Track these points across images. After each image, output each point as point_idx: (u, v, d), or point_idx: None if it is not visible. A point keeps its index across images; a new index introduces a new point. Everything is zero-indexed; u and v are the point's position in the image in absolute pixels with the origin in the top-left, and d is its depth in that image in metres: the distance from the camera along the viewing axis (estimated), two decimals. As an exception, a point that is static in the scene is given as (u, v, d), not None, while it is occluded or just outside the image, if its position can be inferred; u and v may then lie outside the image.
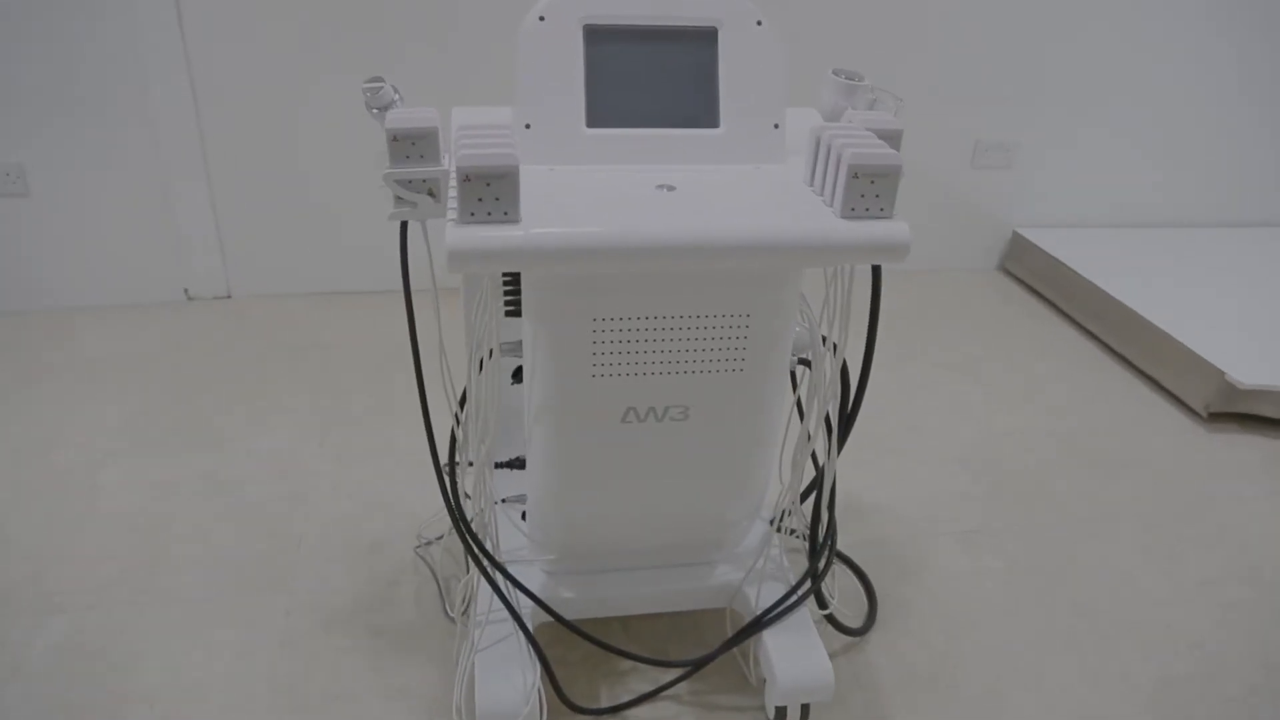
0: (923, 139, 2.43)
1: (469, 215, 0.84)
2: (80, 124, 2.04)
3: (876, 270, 1.09)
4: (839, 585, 1.43)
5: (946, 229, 2.58)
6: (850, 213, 0.88)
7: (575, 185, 0.92)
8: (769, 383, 1.02)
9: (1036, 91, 2.42)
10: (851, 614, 1.38)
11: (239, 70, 2.06)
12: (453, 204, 0.85)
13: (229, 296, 2.28)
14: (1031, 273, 2.50)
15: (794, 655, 1.13)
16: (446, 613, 1.34)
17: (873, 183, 0.87)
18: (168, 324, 2.16)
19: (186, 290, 2.26)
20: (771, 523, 1.21)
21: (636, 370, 0.98)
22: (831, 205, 0.90)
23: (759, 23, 1.00)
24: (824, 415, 1.13)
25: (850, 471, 1.70)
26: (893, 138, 0.98)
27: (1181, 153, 2.58)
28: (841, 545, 1.51)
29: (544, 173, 0.96)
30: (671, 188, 0.93)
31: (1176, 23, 2.40)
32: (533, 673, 1.09)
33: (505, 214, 0.84)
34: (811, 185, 0.95)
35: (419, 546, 1.46)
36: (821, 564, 1.22)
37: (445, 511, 1.20)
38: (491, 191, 0.83)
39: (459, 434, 1.12)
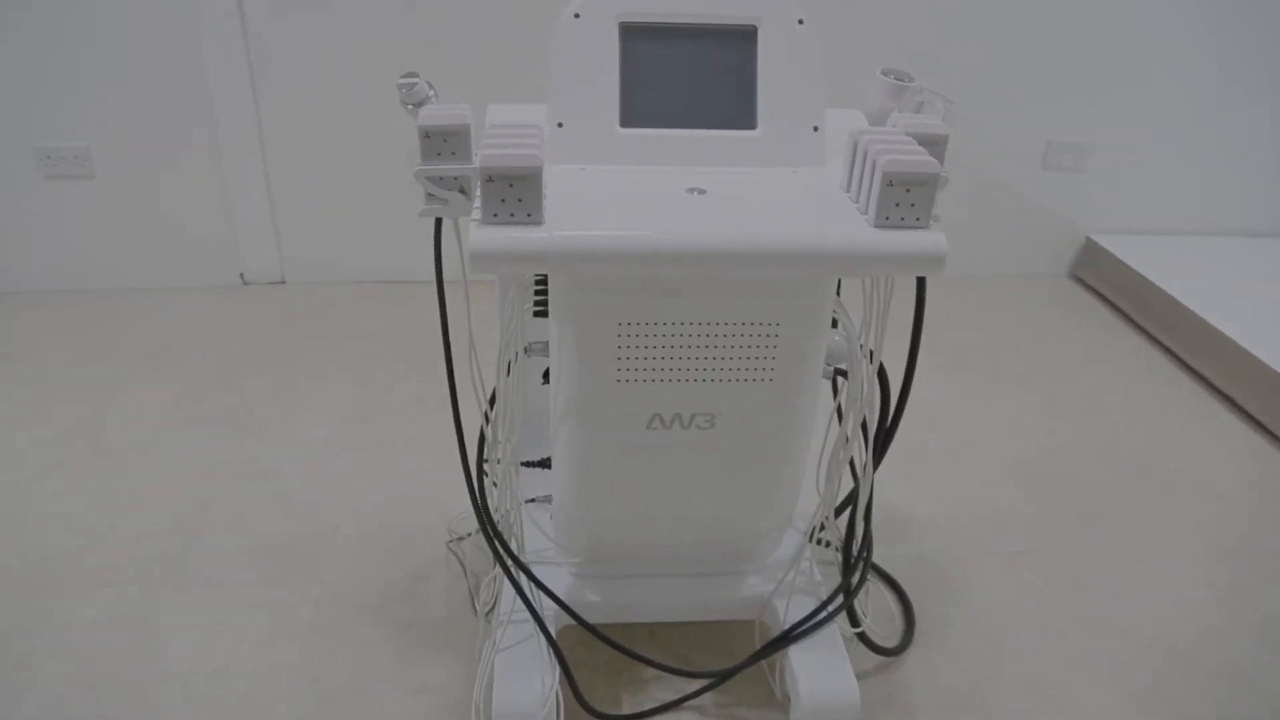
0: (991, 138, 2.35)
1: (492, 216, 0.82)
2: (143, 109, 2.09)
3: (921, 279, 1.05)
4: (876, 602, 1.38)
5: (1014, 233, 2.49)
6: (885, 221, 0.84)
7: (604, 186, 0.90)
8: (800, 394, 0.99)
9: (1113, 89, 2.32)
10: (887, 632, 1.34)
11: (297, 59, 2.08)
12: (477, 204, 0.84)
13: (283, 282, 2.32)
14: (1104, 281, 2.40)
15: (820, 674, 1.10)
16: (475, 610, 1.34)
17: (909, 191, 0.83)
18: (222, 308, 2.20)
19: (242, 275, 2.30)
20: (809, 535, 1.17)
21: (662, 376, 0.96)
22: (866, 213, 0.86)
23: (800, 21, 0.96)
24: (860, 428, 1.09)
25: (896, 484, 1.65)
26: (937, 143, 0.94)
27: (1269, 156, 2.45)
28: (881, 560, 1.47)
29: (574, 172, 0.94)
30: (702, 191, 0.90)
31: (1265, 16, 2.27)
32: (552, 675, 1.08)
33: (528, 215, 0.82)
34: (848, 191, 0.92)
35: (451, 542, 1.46)
36: (855, 580, 1.19)
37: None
38: (514, 192, 0.81)
39: (488, 433, 1.12)
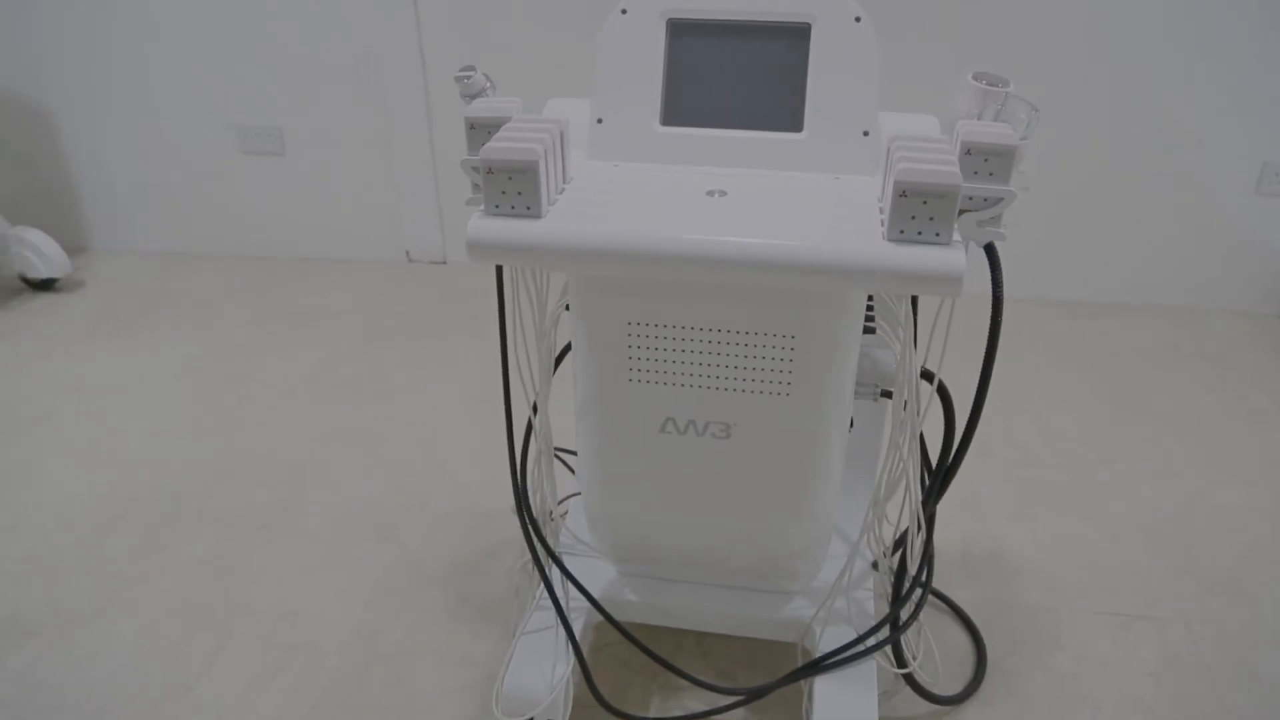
0: (1199, 156, 2.10)
1: (494, 207, 0.84)
2: (328, 94, 2.27)
3: (997, 298, 0.96)
4: (947, 644, 1.28)
5: (1216, 262, 2.22)
6: (899, 235, 0.78)
7: (626, 184, 0.89)
8: (822, 411, 0.93)
9: (1347, 107, 2.02)
10: (950, 678, 1.24)
11: (465, 52, 2.19)
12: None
13: (444, 262, 2.45)
14: (1316, 323, 2.10)
15: (839, 711, 1.04)
16: (531, 591, 1.37)
17: (925, 203, 0.77)
18: (384, 283, 2.36)
19: (407, 253, 2.45)
20: (850, 562, 1.11)
21: (675, 380, 0.93)
22: (884, 225, 0.80)
23: (857, 19, 0.91)
24: (906, 454, 1.02)
25: (1009, 523, 1.53)
26: (1002, 154, 0.86)
27: None
28: (966, 601, 1.36)
29: (606, 169, 0.93)
30: (723, 193, 0.87)
31: None
32: (565, 665, 1.08)
33: (527, 208, 0.83)
34: (880, 201, 0.86)
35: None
36: (903, 616, 1.11)
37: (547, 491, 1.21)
38: (514, 185, 0.82)
39: (535, 422, 1.13)
